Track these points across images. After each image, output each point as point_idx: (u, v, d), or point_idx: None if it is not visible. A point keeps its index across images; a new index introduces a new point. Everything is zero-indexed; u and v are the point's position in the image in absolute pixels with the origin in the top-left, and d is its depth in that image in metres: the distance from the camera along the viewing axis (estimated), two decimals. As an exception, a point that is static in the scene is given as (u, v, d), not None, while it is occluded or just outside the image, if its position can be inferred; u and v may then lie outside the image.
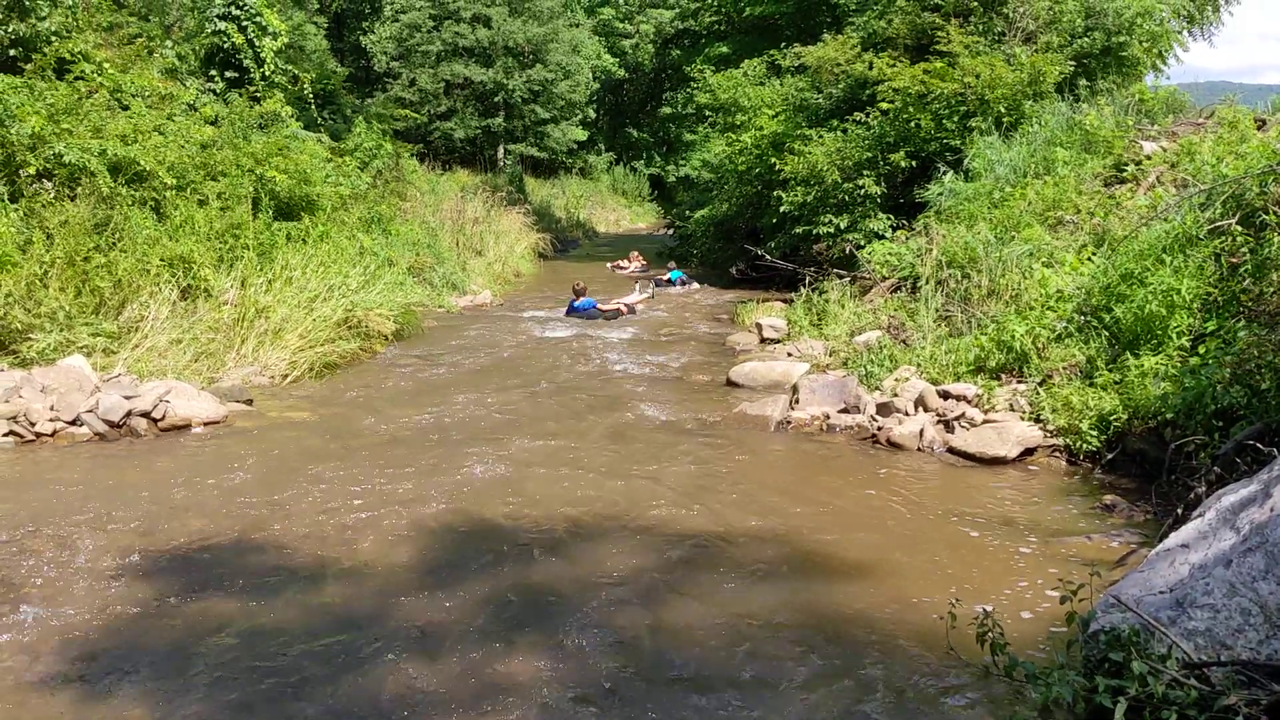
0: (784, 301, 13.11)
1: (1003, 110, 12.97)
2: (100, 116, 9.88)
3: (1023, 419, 7.06)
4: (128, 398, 7.28)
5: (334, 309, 10.19)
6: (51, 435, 6.93)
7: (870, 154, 13.97)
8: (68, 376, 7.36)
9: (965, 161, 12.34)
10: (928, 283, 9.78)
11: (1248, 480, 4.23)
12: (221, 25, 14.01)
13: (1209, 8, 18.92)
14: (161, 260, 9.13)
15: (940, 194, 11.83)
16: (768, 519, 5.65)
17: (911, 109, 13.46)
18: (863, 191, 13.81)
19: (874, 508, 5.94)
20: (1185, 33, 18.35)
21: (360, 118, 17.52)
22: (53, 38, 10.99)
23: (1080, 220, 9.37)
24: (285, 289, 10.03)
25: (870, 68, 14.25)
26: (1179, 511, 4.99)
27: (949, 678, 3.84)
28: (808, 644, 4.15)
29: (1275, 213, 6.62)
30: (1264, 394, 5.45)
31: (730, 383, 9.37)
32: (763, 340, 11.40)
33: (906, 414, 7.49)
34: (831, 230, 14.08)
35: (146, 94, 11.47)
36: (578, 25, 36.62)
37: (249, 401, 8.08)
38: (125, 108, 10.80)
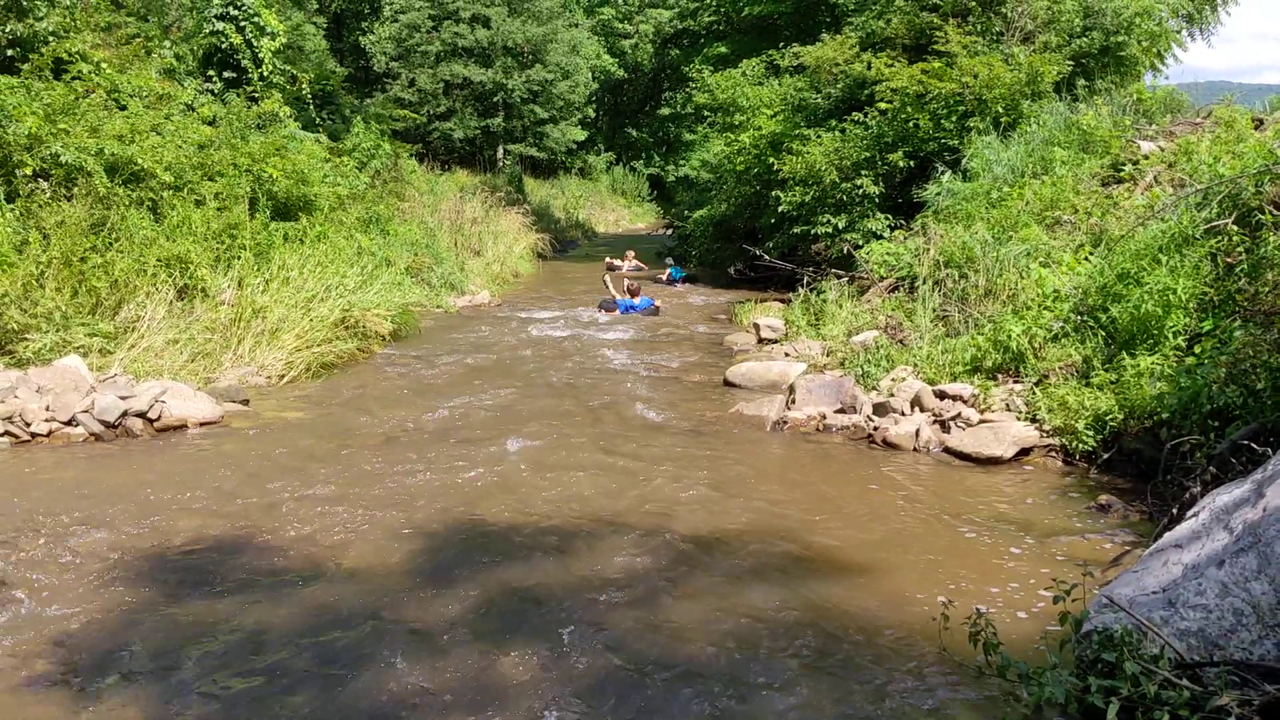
0: (782, 301, 13.12)
1: (1001, 110, 12.96)
2: (97, 116, 9.87)
3: (1019, 419, 7.06)
4: (123, 398, 7.27)
5: (331, 309, 10.18)
6: (47, 435, 6.92)
7: (868, 154, 13.96)
8: (64, 377, 7.36)
9: (963, 161, 12.33)
10: (925, 283, 9.78)
11: (1241, 480, 4.22)
12: (219, 25, 14.01)
13: (1207, 8, 18.91)
14: (158, 260, 9.12)
15: (938, 194, 11.83)
16: (762, 519, 5.65)
17: (910, 109, 13.46)
18: (861, 191, 13.80)
19: (869, 508, 5.93)
20: (1184, 32, 18.34)
21: (359, 118, 17.52)
22: (50, 38, 10.98)
23: (1078, 220, 9.36)
24: (282, 289, 10.02)
25: (869, 68, 14.25)
26: (1174, 511, 4.99)
27: (942, 678, 3.84)
28: (801, 644, 4.14)
29: (1271, 212, 6.62)
30: (1259, 394, 5.45)
31: (727, 383, 9.37)
32: (760, 340, 11.40)
33: (902, 414, 7.49)
34: (829, 230, 14.07)
35: (144, 94, 11.47)
36: (577, 25, 36.65)
37: (245, 402, 8.08)
38: (123, 108, 10.80)
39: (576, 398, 8.85)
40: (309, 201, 12.05)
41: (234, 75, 14.24)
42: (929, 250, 10.23)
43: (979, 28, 14.23)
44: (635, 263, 21.34)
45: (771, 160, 15.29)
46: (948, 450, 7.00)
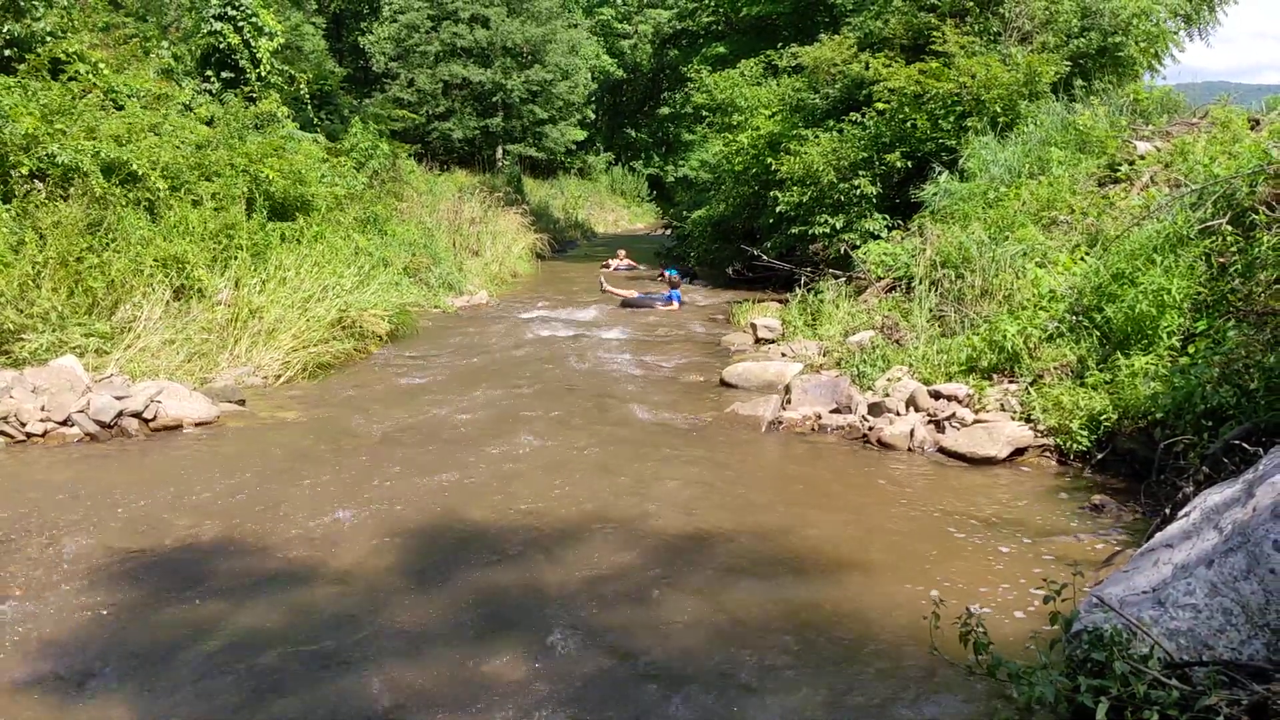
0: (780, 302, 13.12)
1: (998, 110, 12.97)
2: (94, 117, 9.88)
3: (1013, 419, 7.06)
4: (119, 398, 7.27)
5: (328, 309, 10.19)
6: (42, 436, 6.92)
7: (866, 154, 13.97)
8: (59, 377, 7.36)
9: (960, 161, 12.35)
10: (922, 283, 9.78)
11: (1233, 480, 4.23)
12: (217, 26, 14.03)
13: (1205, 8, 18.90)
14: (155, 260, 9.13)
15: (935, 194, 11.84)
16: (756, 518, 5.65)
17: (907, 109, 13.47)
18: (858, 192, 13.81)
19: (862, 507, 5.93)
20: (1181, 33, 18.33)
21: (357, 118, 17.53)
22: (47, 38, 11.00)
23: (1074, 220, 9.37)
24: (279, 289, 10.03)
25: (866, 68, 14.26)
26: (1167, 511, 4.99)
27: (933, 677, 3.84)
28: (793, 643, 4.14)
29: (1264, 212, 6.62)
30: (1253, 394, 5.45)
31: (724, 383, 9.37)
32: (757, 340, 11.40)
33: (898, 414, 7.49)
34: (827, 230, 14.08)
35: (142, 94, 11.48)
36: (576, 25, 36.66)
37: (241, 402, 8.08)
38: (120, 108, 10.80)
39: (573, 398, 8.86)
40: (306, 202, 12.06)
41: (232, 75, 14.25)
42: (926, 250, 10.24)
43: (977, 28, 14.25)
44: (627, 261, 21.45)
45: (770, 160, 15.30)
46: (942, 450, 7.00)
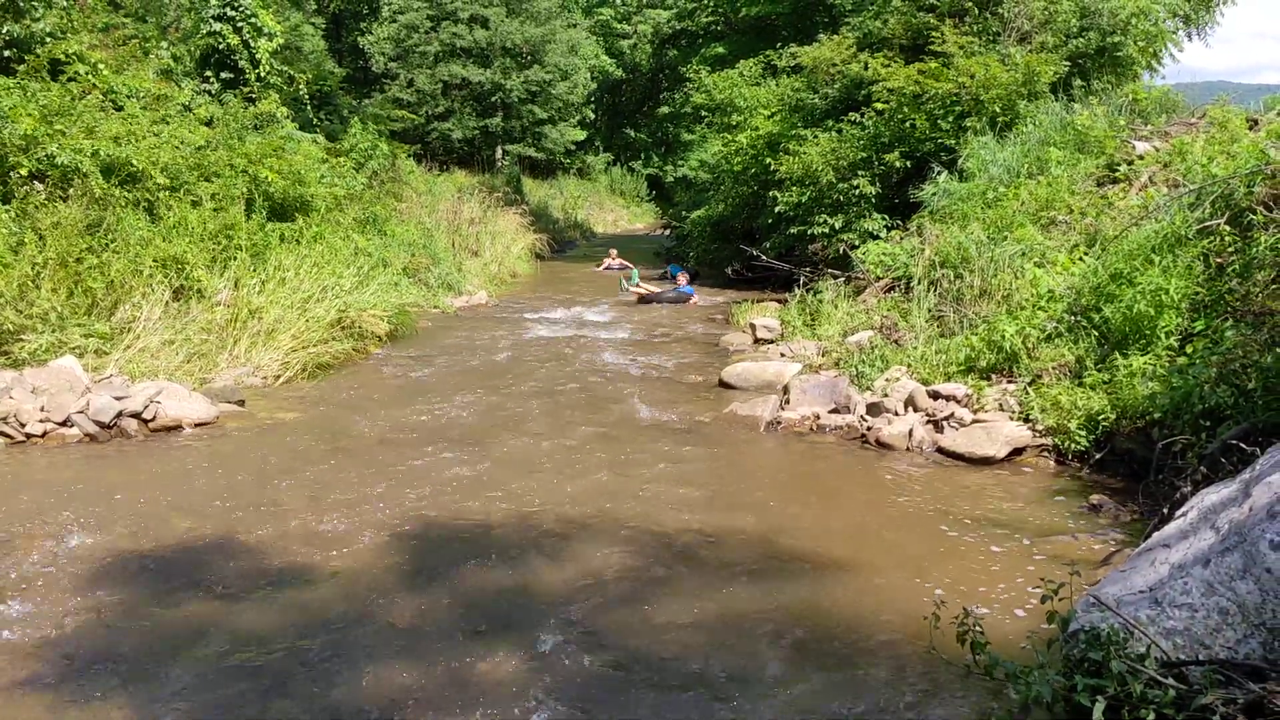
0: (779, 302, 13.13)
1: (997, 110, 12.97)
2: (94, 117, 9.89)
3: (1012, 419, 7.07)
4: (118, 399, 7.28)
5: (327, 310, 10.19)
6: (42, 436, 6.93)
7: (865, 154, 13.98)
8: (59, 377, 7.37)
9: (959, 161, 12.35)
10: (921, 283, 9.78)
11: (1230, 480, 4.24)
12: (217, 26, 14.02)
13: (1204, 8, 18.91)
14: (154, 261, 9.13)
15: (934, 194, 11.84)
16: (754, 519, 5.66)
17: (906, 109, 13.48)
18: (858, 192, 13.82)
19: (860, 508, 5.94)
20: (1180, 33, 18.34)
21: (357, 118, 17.53)
22: (47, 38, 11.00)
23: (1072, 220, 9.37)
24: (278, 290, 10.03)
25: (866, 68, 14.27)
26: (1164, 511, 5.00)
27: (930, 677, 3.85)
28: (790, 643, 4.15)
29: (1262, 213, 6.63)
30: (1250, 394, 5.45)
31: (723, 383, 9.38)
32: (756, 340, 11.40)
33: (896, 414, 7.50)
34: (826, 230, 14.09)
35: (141, 95, 11.49)
36: (575, 26, 36.66)
37: (241, 402, 8.09)
38: (119, 108, 10.81)
39: (571, 398, 8.86)
40: (306, 202, 12.06)
41: (231, 76, 14.26)
42: (925, 250, 10.24)
43: (976, 28, 14.25)
44: (620, 261, 21.60)
45: (769, 160, 15.31)
46: (941, 450, 7.01)
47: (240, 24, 14.13)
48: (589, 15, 43.76)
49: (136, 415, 7.27)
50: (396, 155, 17.83)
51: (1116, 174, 10.07)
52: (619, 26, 46.90)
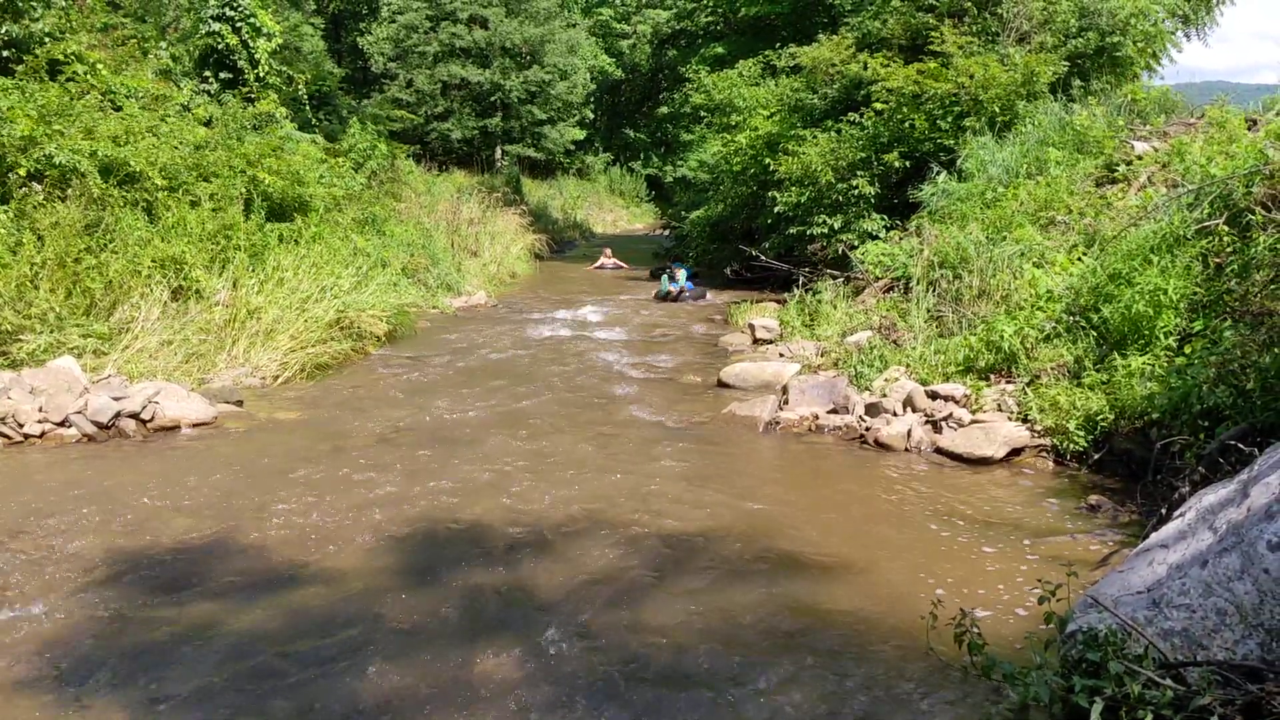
0: (778, 302, 13.13)
1: (996, 110, 12.98)
2: (92, 118, 9.88)
3: (1010, 419, 7.06)
4: (117, 399, 7.27)
5: (326, 310, 10.19)
6: (40, 437, 6.92)
7: (864, 154, 13.98)
8: (57, 378, 7.37)
9: (959, 162, 12.35)
10: (920, 283, 9.78)
11: (1228, 480, 4.23)
12: (216, 26, 14.03)
13: (1203, 8, 18.93)
14: (153, 261, 9.13)
15: (934, 194, 11.85)
16: (751, 519, 5.66)
17: (905, 109, 13.48)
18: (857, 192, 13.82)
19: (858, 508, 5.94)
20: (1179, 33, 18.36)
21: (356, 118, 17.53)
22: (45, 39, 11.00)
23: (1071, 220, 9.37)
24: (277, 290, 10.03)
25: (865, 68, 14.27)
26: (1163, 511, 5.00)
27: (928, 678, 3.85)
28: (788, 643, 4.15)
29: (1260, 213, 6.63)
30: (1249, 394, 5.45)
31: (721, 383, 9.38)
32: (755, 341, 11.40)
33: (895, 414, 7.50)
34: (826, 231, 14.09)
35: (140, 95, 11.48)
36: (574, 26, 36.67)
37: (239, 403, 8.08)
38: (118, 109, 10.80)
39: (570, 398, 8.86)
40: (304, 202, 12.06)
41: (230, 76, 14.26)
42: (924, 251, 10.24)
43: (975, 28, 14.26)
44: (614, 260, 21.64)
45: (768, 161, 15.31)
46: (939, 450, 7.00)
47: (239, 24, 14.14)
48: (588, 15, 43.74)
49: (135, 415, 7.27)
50: (395, 155, 17.83)
51: (1115, 174, 10.08)
52: (618, 26, 46.89)
